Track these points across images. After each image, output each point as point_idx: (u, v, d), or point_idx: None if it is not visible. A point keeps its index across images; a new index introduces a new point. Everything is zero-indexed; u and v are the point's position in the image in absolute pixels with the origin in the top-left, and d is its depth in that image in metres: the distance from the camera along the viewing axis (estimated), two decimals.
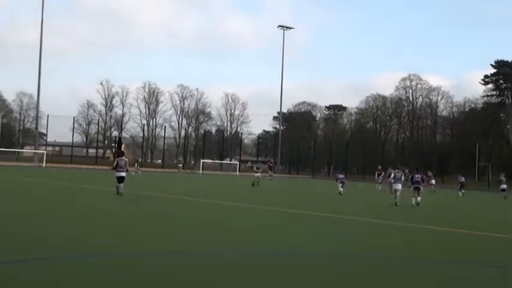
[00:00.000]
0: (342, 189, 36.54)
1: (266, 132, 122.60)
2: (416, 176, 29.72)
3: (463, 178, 47.83)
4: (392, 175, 33.84)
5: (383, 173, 47.97)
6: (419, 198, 28.45)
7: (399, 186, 29.43)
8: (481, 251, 14.43)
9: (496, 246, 15.60)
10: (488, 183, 70.28)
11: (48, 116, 79.30)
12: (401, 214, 24.41)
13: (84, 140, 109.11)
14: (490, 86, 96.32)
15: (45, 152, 72.70)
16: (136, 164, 57.87)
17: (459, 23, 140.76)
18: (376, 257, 12.06)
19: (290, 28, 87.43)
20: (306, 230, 16.51)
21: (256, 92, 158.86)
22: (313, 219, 19.94)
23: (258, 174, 43.98)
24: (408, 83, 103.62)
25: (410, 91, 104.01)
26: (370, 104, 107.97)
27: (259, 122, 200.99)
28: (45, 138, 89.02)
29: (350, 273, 9.89)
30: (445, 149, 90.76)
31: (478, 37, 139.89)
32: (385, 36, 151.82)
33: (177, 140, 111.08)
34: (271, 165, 61.16)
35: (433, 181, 50.90)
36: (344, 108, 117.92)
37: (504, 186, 46.25)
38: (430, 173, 51.39)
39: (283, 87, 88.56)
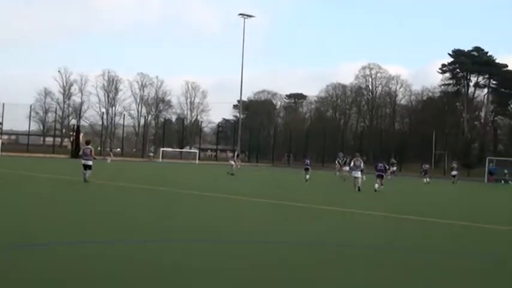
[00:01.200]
0: (307, 177, 36.89)
1: (226, 121, 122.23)
2: (380, 164, 31.72)
3: (427, 165, 50.64)
4: (352, 163, 34.34)
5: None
6: (382, 186, 30.07)
7: (358, 174, 30.30)
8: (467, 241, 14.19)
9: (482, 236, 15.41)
10: (444, 171, 71.12)
11: (3, 104, 77.74)
12: (360, 202, 24.19)
13: (41, 128, 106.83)
14: (447, 75, 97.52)
15: (0, 140, 70.79)
16: (110, 153, 61.33)
17: (418, 12, 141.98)
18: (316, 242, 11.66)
19: (251, 16, 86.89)
20: (264, 217, 16.08)
21: (216, 80, 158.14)
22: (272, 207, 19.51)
23: (233, 162, 45.11)
24: (368, 72, 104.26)
25: (370, 80, 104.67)
26: (330, 93, 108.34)
27: (219, 110, 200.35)
28: (0, 126, 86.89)
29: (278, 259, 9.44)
30: (403, 137, 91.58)
31: (436, 26, 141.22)
32: (345, 25, 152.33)
33: (137, 128, 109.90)
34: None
35: (394, 168, 51.71)
36: (304, 97, 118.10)
37: (455, 172, 50.74)
38: (394, 161, 52.68)
39: (243, 75, 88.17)
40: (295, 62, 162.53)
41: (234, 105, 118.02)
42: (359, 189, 29.06)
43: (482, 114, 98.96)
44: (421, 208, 22.55)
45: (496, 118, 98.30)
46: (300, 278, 8.11)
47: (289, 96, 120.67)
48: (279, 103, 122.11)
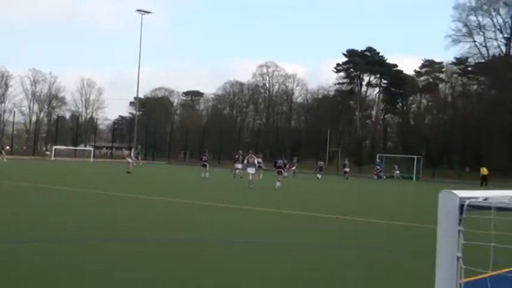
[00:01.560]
0: (207, 174, 37.13)
1: (122, 118, 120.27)
2: (279, 161, 32.68)
3: (321, 162, 53.04)
4: (245, 160, 34.85)
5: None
6: (278, 183, 30.60)
7: (253, 170, 30.94)
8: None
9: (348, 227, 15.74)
10: (337, 168, 73.16)
11: None
12: (254, 198, 24.32)
13: None
14: (342, 74, 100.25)
15: None
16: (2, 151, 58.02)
17: (314, 11, 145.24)
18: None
19: (148, 12, 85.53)
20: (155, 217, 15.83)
21: (113, 77, 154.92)
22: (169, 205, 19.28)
23: (130, 160, 44.16)
24: (265, 70, 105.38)
25: (267, 78, 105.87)
26: (228, 90, 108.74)
27: (115, 108, 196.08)
28: None
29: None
30: (299, 135, 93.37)
31: (331, 26, 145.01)
32: (243, 23, 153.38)
33: (28, 125, 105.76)
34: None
35: (294, 167, 53.13)
36: (201, 94, 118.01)
37: (347, 169, 54.43)
38: (295, 159, 54.22)
39: (140, 72, 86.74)
40: (192, 59, 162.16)
41: (130, 102, 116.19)
42: (249, 187, 29.38)
43: (374, 112, 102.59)
44: (308, 204, 22.99)
45: (386, 116, 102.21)
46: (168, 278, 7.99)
47: (186, 93, 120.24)
48: (176, 100, 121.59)
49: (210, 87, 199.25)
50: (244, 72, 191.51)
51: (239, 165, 41.06)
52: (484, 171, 55.33)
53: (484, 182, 53.17)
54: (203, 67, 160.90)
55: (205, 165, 38.02)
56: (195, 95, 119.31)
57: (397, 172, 62.25)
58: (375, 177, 59.99)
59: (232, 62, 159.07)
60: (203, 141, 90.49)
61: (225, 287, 7.82)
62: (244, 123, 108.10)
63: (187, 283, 7.82)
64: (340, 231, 14.99)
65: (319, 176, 49.12)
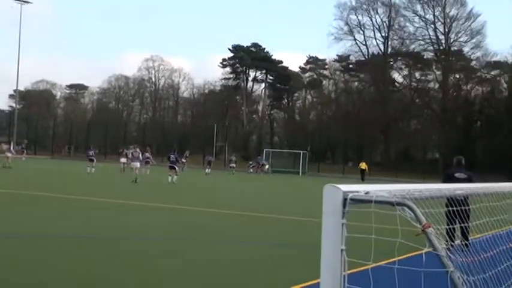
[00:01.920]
0: (93, 169, 36.91)
1: (1, 111, 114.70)
2: (172, 156, 32.71)
3: (210, 157, 53.56)
4: (130, 154, 34.73)
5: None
6: (175, 177, 31.08)
7: (137, 165, 31.26)
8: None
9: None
10: (225, 163, 73.48)
11: None
12: (144, 193, 24.02)
13: None
14: (228, 69, 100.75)
15: None
16: None
17: (201, 5, 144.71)
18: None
19: (28, 2, 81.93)
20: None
21: None
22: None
23: (9, 155, 42.06)
24: (151, 64, 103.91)
25: (153, 72, 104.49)
26: (113, 84, 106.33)
27: None
28: None
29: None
30: (186, 130, 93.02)
31: (217, 21, 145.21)
32: (128, 15, 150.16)
33: None
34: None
35: (185, 161, 53.33)
36: (86, 88, 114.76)
37: (233, 165, 55.54)
38: (187, 154, 54.13)
39: (20, 64, 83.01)
40: (76, 52, 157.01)
41: (10, 95, 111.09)
42: (135, 181, 29.47)
43: (260, 108, 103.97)
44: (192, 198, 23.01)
45: (272, 112, 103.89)
46: None
47: (70, 86, 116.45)
48: (59, 93, 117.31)
49: (95, 80, 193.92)
50: (130, 66, 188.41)
51: (124, 159, 40.57)
52: (363, 165, 57.36)
53: (362, 176, 55.15)
54: (88, 60, 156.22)
55: (92, 160, 37.15)
56: (79, 88, 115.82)
57: (267, 167, 62.45)
58: (251, 170, 60.10)
59: (117, 55, 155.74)
60: (88, 136, 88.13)
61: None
62: (130, 118, 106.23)
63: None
64: (225, 226, 15.09)
65: (207, 170, 49.48)
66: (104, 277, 8.15)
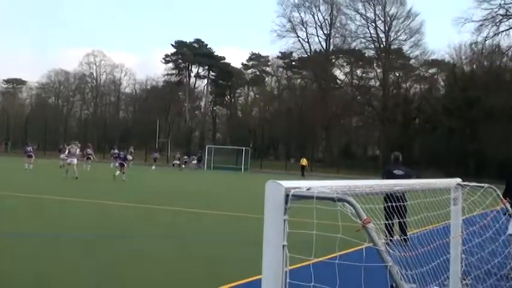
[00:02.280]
0: (31, 166, 36.44)
1: None
2: (121, 153, 34.09)
3: (156, 154, 54.00)
4: (67, 151, 34.39)
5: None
6: (124, 174, 31.02)
7: (74, 161, 30.99)
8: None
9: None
10: (167, 158, 72.93)
11: None
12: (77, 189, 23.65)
13: None
14: (170, 65, 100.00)
15: None
16: None
17: (145, 1, 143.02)
18: None
19: None
20: None
21: None
22: None
23: None
24: (92, 59, 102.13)
25: (95, 67, 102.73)
26: (52, 79, 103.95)
27: None
28: None
29: None
30: (128, 126, 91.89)
31: (159, 16, 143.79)
32: (71, 10, 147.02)
33: None
34: None
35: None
36: (24, 82, 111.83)
37: (177, 161, 55.77)
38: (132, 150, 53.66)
39: None
40: (14, 45, 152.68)
41: None
42: (75, 178, 29.20)
43: (203, 104, 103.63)
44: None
45: (215, 108, 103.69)
46: None
47: (7, 81, 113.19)
48: None
49: (33, 75, 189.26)
50: (71, 61, 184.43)
51: (64, 156, 39.92)
52: (304, 161, 57.75)
53: (303, 172, 55.46)
54: (26, 54, 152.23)
55: (30, 156, 36.34)
56: (17, 82, 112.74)
57: (194, 162, 61.07)
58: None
59: (57, 49, 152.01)
60: (26, 131, 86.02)
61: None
62: (70, 113, 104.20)
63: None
64: (164, 222, 15.00)
65: (153, 167, 49.80)
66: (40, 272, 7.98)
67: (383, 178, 12.20)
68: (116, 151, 52.23)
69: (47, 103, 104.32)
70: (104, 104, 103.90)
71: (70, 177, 29.18)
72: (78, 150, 32.45)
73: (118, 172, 31.30)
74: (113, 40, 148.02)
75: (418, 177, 12.59)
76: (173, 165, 55.21)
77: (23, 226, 12.87)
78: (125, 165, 32.05)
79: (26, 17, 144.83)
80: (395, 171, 12.43)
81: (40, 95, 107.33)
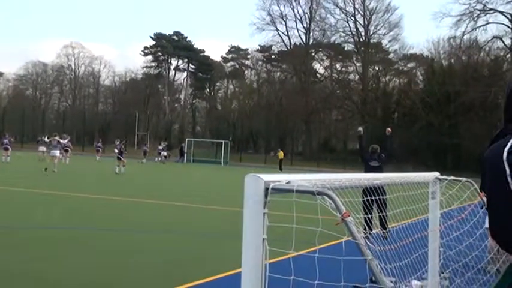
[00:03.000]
0: (8, 158, 36.37)
1: None
2: (118, 145, 33.81)
3: (146, 147, 54.50)
4: (49, 142, 34.62)
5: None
6: (122, 168, 31.89)
7: (57, 153, 30.87)
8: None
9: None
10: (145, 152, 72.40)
11: None
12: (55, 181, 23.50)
13: None
14: (150, 57, 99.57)
15: None
16: None
17: None
18: None
19: None
20: None
21: None
22: None
23: None
24: (70, 51, 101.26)
25: (73, 59, 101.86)
26: (30, 71, 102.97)
27: None
28: None
29: None
30: (107, 118, 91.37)
31: (139, 8, 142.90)
32: (45, 0, 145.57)
33: None
34: None
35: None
36: (1, 74, 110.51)
37: (165, 153, 56.29)
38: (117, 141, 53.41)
39: None
40: None
41: None
42: (53, 171, 28.98)
43: (182, 96, 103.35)
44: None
45: (194, 101, 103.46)
46: None
47: None
48: None
49: (10, 66, 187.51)
50: (48, 52, 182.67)
51: (44, 148, 39.61)
52: (281, 155, 57.35)
53: (280, 166, 54.72)
54: (2, 45, 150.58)
55: (6, 149, 35.94)
56: None
57: (164, 154, 58.33)
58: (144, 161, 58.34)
59: (35, 41, 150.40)
60: (3, 123, 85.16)
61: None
62: (48, 105, 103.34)
63: None
64: (147, 215, 14.95)
65: (144, 160, 51.09)
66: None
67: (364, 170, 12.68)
68: (100, 144, 51.87)
69: (24, 95, 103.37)
70: (82, 96, 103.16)
71: (52, 170, 28.87)
72: (66, 141, 33.28)
73: (118, 167, 31.80)
74: (91, 32, 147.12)
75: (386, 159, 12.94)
76: (164, 157, 55.26)
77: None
78: (122, 159, 32.45)
79: (2, 7, 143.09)
80: (371, 163, 12.84)
81: (17, 86, 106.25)
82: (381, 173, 11.29)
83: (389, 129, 14.02)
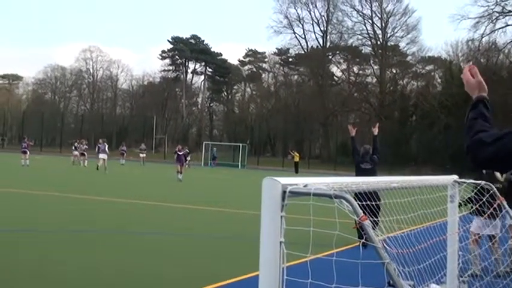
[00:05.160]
0: (27, 162, 36.47)
1: None
2: (181, 153, 33.54)
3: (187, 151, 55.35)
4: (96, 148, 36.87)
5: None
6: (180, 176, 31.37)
7: (105, 156, 34.13)
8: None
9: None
10: (165, 155, 72.83)
11: None
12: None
13: None
14: (167, 61, 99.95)
15: None
16: None
17: None
18: None
19: None
20: None
21: None
22: None
23: None
24: (89, 55, 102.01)
25: (91, 63, 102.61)
26: (49, 75, 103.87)
27: None
28: None
29: None
30: (125, 121, 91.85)
31: (157, 12, 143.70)
32: (67, 5, 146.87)
33: None
34: None
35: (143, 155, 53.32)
36: (20, 78, 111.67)
37: (188, 158, 53.06)
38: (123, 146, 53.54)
39: None
40: (10, 41, 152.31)
41: None
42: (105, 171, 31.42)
43: (200, 100, 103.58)
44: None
45: (211, 104, 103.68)
46: None
47: (3, 76, 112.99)
48: None
49: (30, 70, 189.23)
50: (67, 56, 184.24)
51: (77, 152, 42.11)
52: (296, 157, 56.99)
53: (296, 169, 54.40)
54: (22, 49, 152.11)
55: (25, 152, 36.16)
56: (13, 78, 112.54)
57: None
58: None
59: (54, 45, 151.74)
60: (23, 127, 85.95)
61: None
62: (67, 109, 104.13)
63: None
64: (165, 217, 15.01)
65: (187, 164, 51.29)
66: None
67: (355, 173, 12.05)
68: (124, 148, 51.56)
69: (43, 99, 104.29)
70: (100, 99, 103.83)
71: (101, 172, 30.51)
72: (106, 146, 35.61)
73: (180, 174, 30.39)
74: (109, 36, 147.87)
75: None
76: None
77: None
78: (184, 164, 32.27)
79: (22, 12, 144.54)
80: (363, 165, 12.17)
81: (37, 90, 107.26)
82: (372, 175, 11.11)
83: (375, 129, 12.90)
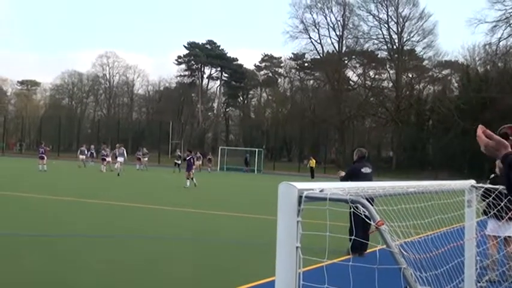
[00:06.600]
0: (45, 167, 37.09)
1: None
2: (191, 157, 31.72)
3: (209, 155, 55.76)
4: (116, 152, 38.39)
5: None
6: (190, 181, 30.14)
7: (122, 160, 36.88)
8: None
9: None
10: (181, 160, 72.78)
11: None
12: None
13: None
14: (183, 66, 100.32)
15: None
16: None
17: (158, 2, 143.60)
18: None
19: None
20: None
21: None
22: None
23: None
24: (105, 61, 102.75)
25: (108, 68, 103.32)
26: (66, 80, 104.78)
27: None
28: None
29: None
30: (141, 126, 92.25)
31: (173, 18, 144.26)
32: (84, 11, 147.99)
33: None
34: None
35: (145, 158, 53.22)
36: (38, 84, 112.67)
37: (199, 162, 53.61)
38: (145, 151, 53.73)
39: None
40: (28, 47, 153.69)
41: None
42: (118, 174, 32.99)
43: (215, 105, 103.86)
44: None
45: (227, 109, 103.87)
46: None
47: (22, 82, 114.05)
48: (10, 89, 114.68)
49: (47, 76, 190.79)
50: (84, 62, 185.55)
51: (82, 157, 43.67)
52: (312, 163, 56.77)
53: (312, 174, 54.15)
54: (39, 55, 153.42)
55: (42, 158, 36.45)
56: (31, 84, 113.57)
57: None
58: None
59: (71, 51, 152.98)
60: (40, 132, 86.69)
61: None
62: (84, 115, 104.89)
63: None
64: (182, 223, 15.03)
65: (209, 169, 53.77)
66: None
67: (349, 178, 11.37)
68: (141, 153, 51.19)
69: (60, 104, 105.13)
70: (117, 105, 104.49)
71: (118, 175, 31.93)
72: (125, 151, 38.44)
73: (189, 181, 29.04)
74: (126, 41, 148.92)
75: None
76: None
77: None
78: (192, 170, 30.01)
79: (40, 18, 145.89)
80: (363, 170, 11.80)
81: (54, 96, 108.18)
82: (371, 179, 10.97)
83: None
